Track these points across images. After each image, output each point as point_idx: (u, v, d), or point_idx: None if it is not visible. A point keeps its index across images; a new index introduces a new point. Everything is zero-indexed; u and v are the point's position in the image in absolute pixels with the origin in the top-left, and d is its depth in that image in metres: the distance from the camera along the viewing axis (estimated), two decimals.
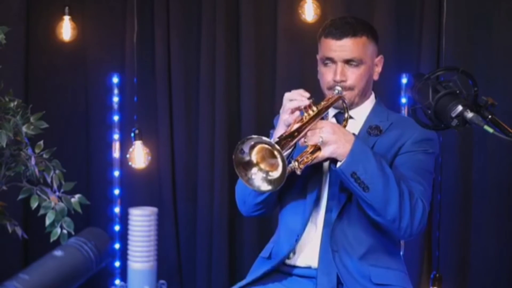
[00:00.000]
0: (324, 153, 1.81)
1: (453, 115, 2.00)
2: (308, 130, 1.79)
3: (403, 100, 2.93)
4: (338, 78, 1.96)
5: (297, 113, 1.85)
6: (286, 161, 1.67)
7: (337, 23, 1.98)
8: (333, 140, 1.79)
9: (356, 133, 1.98)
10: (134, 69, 3.22)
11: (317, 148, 1.81)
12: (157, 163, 3.26)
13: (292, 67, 3.13)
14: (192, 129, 3.28)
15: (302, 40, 3.10)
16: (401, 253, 2.11)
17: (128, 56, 3.26)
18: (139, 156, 3.10)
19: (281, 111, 1.88)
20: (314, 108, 1.83)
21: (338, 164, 1.82)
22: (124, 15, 3.29)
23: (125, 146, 3.23)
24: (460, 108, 2.00)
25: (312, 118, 1.80)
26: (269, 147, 1.67)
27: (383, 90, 2.98)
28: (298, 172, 1.75)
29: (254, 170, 1.73)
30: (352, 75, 1.97)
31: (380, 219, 1.85)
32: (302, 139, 1.79)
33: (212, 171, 3.20)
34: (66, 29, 3.22)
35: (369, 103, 2.06)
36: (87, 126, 3.42)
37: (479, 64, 2.88)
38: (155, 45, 3.26)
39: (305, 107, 1.82)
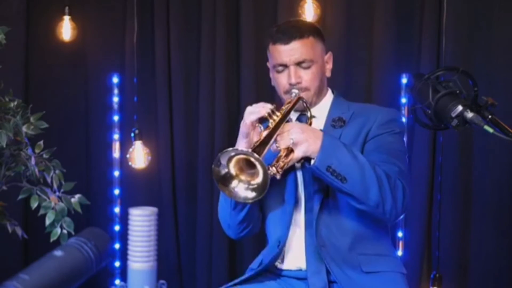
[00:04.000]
0: (298, 153, 1.81)
1: (453, 115, 2.00)
2: (277, 135, 1.80)
3: (403, 100, 2.93)
4: (293, 80, 1.98)
5: (257, 127, 1.87)
6: (266, 166, 1.68)
7: (283, 28, 2.01)
8: (303, 139, 1.80)
9: (321, 129, 2.00)
10: (134, 69, 3.22)
11: (290, 151, 1.82)
12: (157, 163, 3.26)
13: None
14: (192, 129, 3.27)
15: None
16: (397, 250, 2.10)
17: (128, 56, 3.26)
18: (139, 156, 3.10)
19: (241, 124, 1.90)
20: (278, 113, 1.84)
21: (312, 161, 1.82)
22: (124, 15, 3.29)
23: (125, 146, 3.23)
24: (460, 108, 2.00)
25: (278, 123, 1.82)
26: (246, 157, 1.69)
27: (383, 90, 2.99)
28: (278, 176, 1.76)
29: (235, 182, 1.75)
30: (306, 76, 2.00)
31: (363, 207, 1.85)
32: (274, 145, 1.80)
33: (212, 171, 3.19)
34: (66, 29, 3.22)
35: (328, 99, 2.09)
36: (87, 126, 3.42)
37: (479, 64, 2.88)
38: (155, 45, 3.26)
39: (269, 114, 1.84)
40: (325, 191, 1.94)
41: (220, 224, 3.17)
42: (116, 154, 3.28)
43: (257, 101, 3.11)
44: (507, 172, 2.88)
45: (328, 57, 2.08)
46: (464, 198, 2.94)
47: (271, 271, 2.03)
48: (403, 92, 2.93)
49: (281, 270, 2.01)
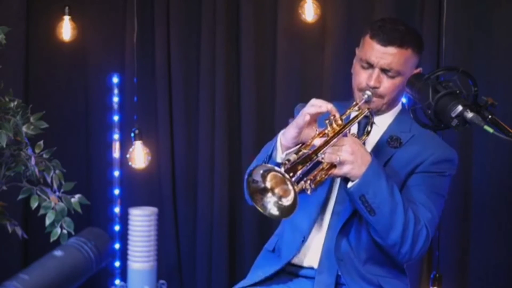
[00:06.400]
0: (339, 172, 1.78)
1: (453, 115, 1.99)
2: (328, 147, 1.76)
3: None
4: (372, 83, 1.92)
5: (307, 117, 1.80)
6: (298, 190, 1.63)
7: (387, 28, 1.92)
8: (350, 161, 1.76)
9: (376, 140, 1.97)
10: (134, 69, 3.22)
11: (332, 166, 1.78)
12: (157, 163, 3.25)
13: (292, 67, 3.13)
14: (192, 129, 3.27)
15: (302, 40, 3.10)
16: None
17: (128, 56, 3.26)
18: (139, 156, 3.10)
19: (301, 111, 1.84)
20: (339, 122, 1.80)
21: (349, 184, 1.80)
22: (124, 15, 3.29)
23: (125, 146, 3.22)
24: (460, 108, 2.00)
25: (334, 135, 1.78)
26: (281, 176, 1.64)
27: None
28: (309, 192, 1.71)
29: (269, 194, 1.70)
30: (386, 84, 1.94)
31: (380, 241, 1.85)
32: (320, 157, 1.75)
33: (212, 171, 3.20)
34: (66, 29, 3.22)
35: (395, 111, 2.04)
36: (87, 126, 3.42)
37: (479, 64, 2.88)
38: (155, 45, 3.26)
39: (329, 121, 1.79)
40: None
41: (220, 224, 3.20)
42: (116, 154, 3.28)
43: (257, 101, 3.16)
44: (507, 172, 2.88)
45: (417, 72, 2.01)
46: (464, 198, 2.94)
47: (285, 269, 2.00)
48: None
49: (294, 267, 1.99)
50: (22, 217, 3.13)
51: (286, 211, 1.68)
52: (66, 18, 3.21)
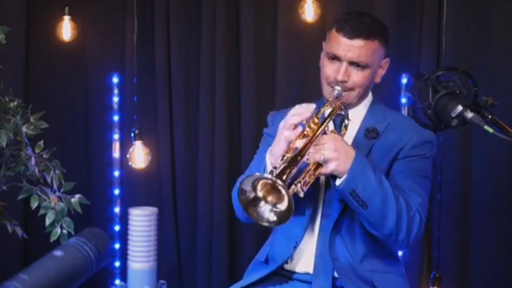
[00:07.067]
0: (325, 170, 1.78)
1: (453, 115, 1.99)
2: (310, 148, 1.75)
3: (403, 100, 2.93)
4: (340, 77, 1.92)
5: (299, 129, 1.80)
6: (291, 193, 1.63)
7: (352, 21, 1.91)
8: (334, 158, 1.76)
9: (353, 135, 1.97)
10: (134, 69, 3.22)
11: (318, 165, 1.78)
12: (157, 163, 3.26)
13: (292, 67, 3.13)
14: (192, 129, 3.28)
15: (302, 40, 3.10)
16: (400, 254, 2.09)
17: (128, 56, 3.26)
18: (139, 156, 3.10)
19: (281, 124, 1.83)
20: (316, 120, 1.79)
21: (338, 181, 1.80)
22: (124, 15, 3.29)
23: (125, 146, 3.23)
24: (460, 108, 2.00)
25: (315, 134, 1.77)
26: (271, 182, 1.64)
27: (383, 90, 2.98)
28: (301, 195, 1.71)
29: (262, 203, 1.69)
30: (355, 77, 1.93)
31: (376, 233, 1.85)
32: (304, 158, 1.74)
33: (212, 171, 3.20)
34: (66, 29, 3.22)
35: (366, 103, 2.04)
36: (87, 126, 3.42)
37: (479, 64, 2.88)
38: (155, 45, 3.26)
39: (307, 120, 1.78)
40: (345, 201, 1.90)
41: (220, 224, 3.20)
42: (116, 154, 3.28)
43: (257, 101, 3.17)
44: (507, 172, 2.88)
45: (385, 62, 2.01)
46: (464, 198, 2.94)
47: (278, 273, 2.01)
48: (403, 92, 2.93)
49: (288, 272, 1.99)
50: (22, 217, 3.13)
51: (283, 215, 1.67)
52: (66, 18, 3.22)
